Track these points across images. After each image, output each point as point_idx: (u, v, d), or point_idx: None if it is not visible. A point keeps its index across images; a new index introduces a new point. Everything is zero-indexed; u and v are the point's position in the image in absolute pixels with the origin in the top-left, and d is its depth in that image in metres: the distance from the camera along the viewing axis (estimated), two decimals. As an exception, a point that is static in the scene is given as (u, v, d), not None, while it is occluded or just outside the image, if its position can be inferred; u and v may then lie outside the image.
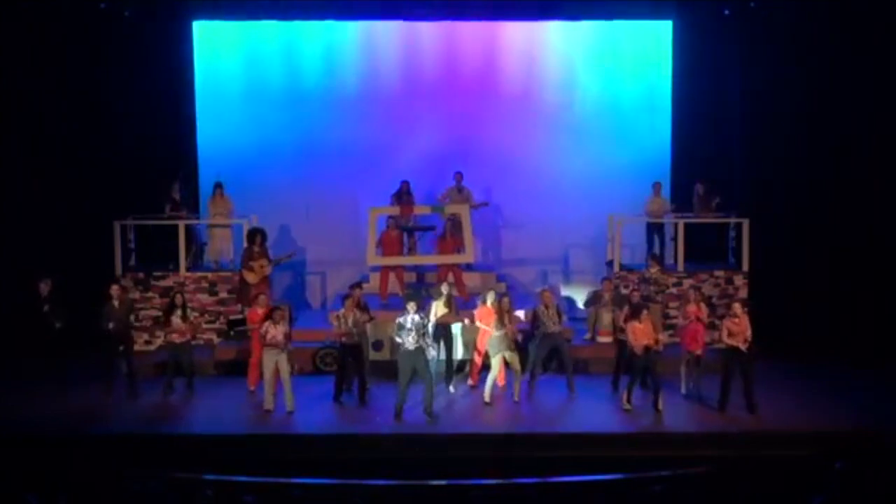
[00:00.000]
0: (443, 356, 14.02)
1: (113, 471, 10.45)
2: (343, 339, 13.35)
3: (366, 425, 12.62)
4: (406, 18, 17.68)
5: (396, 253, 16.12)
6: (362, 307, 13.72)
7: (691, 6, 17.17)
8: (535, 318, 13.76)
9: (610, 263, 16.73)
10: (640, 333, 12.93)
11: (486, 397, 13.39)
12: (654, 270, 15.59)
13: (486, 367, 13.80)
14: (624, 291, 15.47)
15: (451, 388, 13.95)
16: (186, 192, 16.68)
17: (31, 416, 12.88)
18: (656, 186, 16.87)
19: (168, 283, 16.07)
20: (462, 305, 14.80)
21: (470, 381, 14.17)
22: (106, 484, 10.12)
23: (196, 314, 15.08)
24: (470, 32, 17.98)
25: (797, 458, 11.24)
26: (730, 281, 16.29)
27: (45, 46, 15.97)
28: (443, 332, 13.88)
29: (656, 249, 16.78)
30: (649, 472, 10.12)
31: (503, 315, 13.32)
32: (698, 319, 13.58)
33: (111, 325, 13.49)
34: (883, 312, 15.89)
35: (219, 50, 17.84)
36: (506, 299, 13.56)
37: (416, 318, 12.73)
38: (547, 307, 13.72)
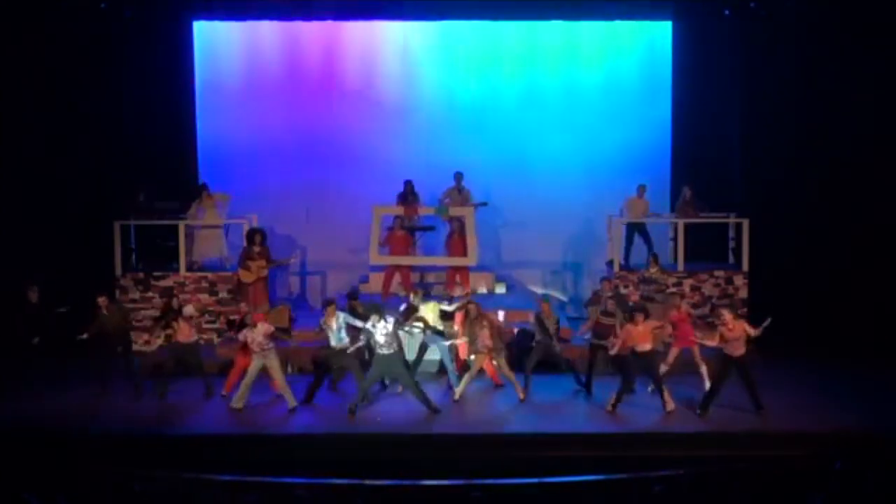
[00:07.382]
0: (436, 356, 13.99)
1: (113, 471, 10.46)
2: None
3: (366, 425, 12.61)
4: (406, 19, 17.72)
5: (403, 253, 16.11)
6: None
7: (691, 6, 17.17)
8: (538, 324, 13.70)
9: (610, 263, 16.73)
10: (638, 336, 12.73)
11: (456, 395, 13.36)
12: (653, 270, 15.60)
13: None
14: (624, 291, 15.47)
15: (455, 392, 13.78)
16: (151, 199, 16.49)
17: (31, 415, 12.87)
18: (640, 189, 16.71)
19: (168, 282, 16.07)
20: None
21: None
22: (106, 484, 10.12)
23: (196, 313, 15.02)
24: (469, 33, 17.99)
25: (797, 458, 11.23)
26: (730, 281, 16.29)
27: (45, 46, 15.96)
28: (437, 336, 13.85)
29: (654, 250, 16.76)
30: (649, 472, 10.13)
31: (473, 322, 13.29)
32: (686, 320, 13.59)
33: (104, 331, 13.53)
34: (883, 312, 15.89)
35: (219, 50, 17.86)
36: (471, 306, 13.53)
37: (384, 324, 12.63)
38: (546, 316, 13.67)
